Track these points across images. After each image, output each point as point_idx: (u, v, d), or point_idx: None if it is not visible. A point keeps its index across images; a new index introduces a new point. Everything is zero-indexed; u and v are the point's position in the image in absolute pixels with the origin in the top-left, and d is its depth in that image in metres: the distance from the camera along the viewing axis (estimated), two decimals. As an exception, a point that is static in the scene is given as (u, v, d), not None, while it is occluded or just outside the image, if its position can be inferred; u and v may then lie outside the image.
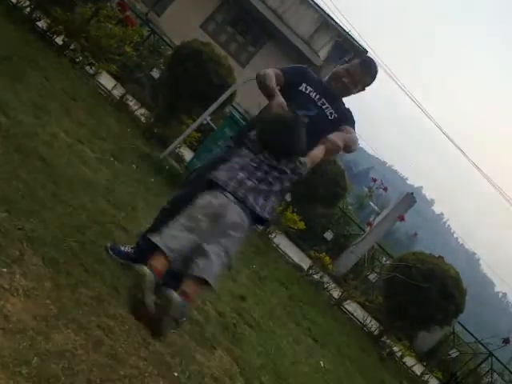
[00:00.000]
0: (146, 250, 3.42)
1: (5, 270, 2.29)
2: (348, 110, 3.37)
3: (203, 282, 2.16)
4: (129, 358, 2.48)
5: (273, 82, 3.03)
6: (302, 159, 2.71)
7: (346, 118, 3.31)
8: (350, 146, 3.12)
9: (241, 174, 2.50)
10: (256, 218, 2.51)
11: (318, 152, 2.87)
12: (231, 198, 2.41)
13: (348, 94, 3.36)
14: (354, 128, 3.32)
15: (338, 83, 3.29)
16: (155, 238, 2.15)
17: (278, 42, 17.85)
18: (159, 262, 2.12)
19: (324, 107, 3.22)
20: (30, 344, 2.01)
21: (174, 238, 2.18)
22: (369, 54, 21.36)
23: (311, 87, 3.23)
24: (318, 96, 3.22)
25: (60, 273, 2.63)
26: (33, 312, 2.19)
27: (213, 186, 2.46)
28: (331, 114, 3.24)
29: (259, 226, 2.64)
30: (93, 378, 2.13)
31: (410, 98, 26.77)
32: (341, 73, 3.29)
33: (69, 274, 2.69)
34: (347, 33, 19.41)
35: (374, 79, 3.39)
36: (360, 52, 20.99)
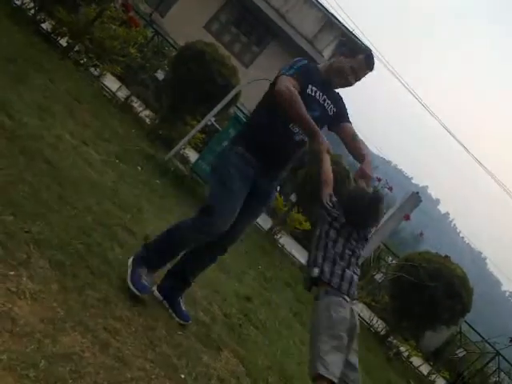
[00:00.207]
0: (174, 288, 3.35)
1: (12, 272, 2.30)
2: (340, 97, 3.38)
3: None
4: (136, 360, 2.48)
5: (307, 114, 2.94)
6: None
7: (342, 112, 3.34)
8: None
9: (348, 272, 2.58)
10: None
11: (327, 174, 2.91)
12: (348, 299, 2.54)
13: (347, 87, 3.35)
14: (349, 119, 3.36)
15: (342, 79, 3.26)
16: (325, 372, 2.30)
17: (281, 41, 17.85)
18: None
19: (325, 104, 3.24)
20: (37, 347, 2.01)
21: (335, 364, 2.35)
22: (373, 53, 21.36)
23: (316, 87, 3.20)
24: (320, 94, 3.22)
25: (66, 275, 2.63)
26: (40, 315, 2.19)
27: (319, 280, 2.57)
28: (331, 109, 3.27)
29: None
30: (100, 381, 2.13)
31: (413, 95, 26.74)
32: (346, 70, 3.23)
33: (75, 276, 2.69)
34: (351, 32, 19.37)
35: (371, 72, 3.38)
36: (363, 50, 20.98)
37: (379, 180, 10.87)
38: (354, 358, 2.49)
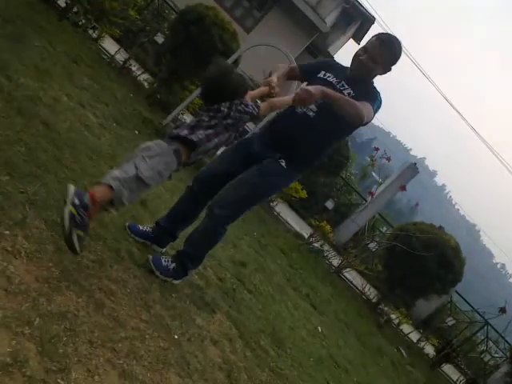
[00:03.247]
0: (165, 231, 3.44)
1: (7, 232, 2.31)
2: (373, 91, 3.29)
3: None
4: (130, 321, 2.52)
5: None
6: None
7: (364, 97, 3.19)
8: (347, 109, 3.04)
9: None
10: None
11: (280, 99, 3.06)
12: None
13: (368, 72, 3.27)
14: (372, 103, 3.20)
15: (355, 61, 3.26)
16: None
17: (284, 7, 17.58)
18: None
19: (342, 88, 3.23)
20: (32, 305, 2.04)
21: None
22: (376, 22, 21.09)
23: (331, 73, 3.29)
24: (336, 79, 3.26)
25: (62, 236, 2.65)
26: (35, 274, 2.21)
27: None
28: (349, 94, 3.21)
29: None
30: (94, 339, 2.17)
31: (414, 63, 26.45)
32: (358, 51, 3.28)
33: (71, 237, 2.70)
34: (354, -1, 19.12)
35: (394, 55, 3.27)
36: (367, 19, 20.73)
37: (377, 149, 10.88)
38: None
